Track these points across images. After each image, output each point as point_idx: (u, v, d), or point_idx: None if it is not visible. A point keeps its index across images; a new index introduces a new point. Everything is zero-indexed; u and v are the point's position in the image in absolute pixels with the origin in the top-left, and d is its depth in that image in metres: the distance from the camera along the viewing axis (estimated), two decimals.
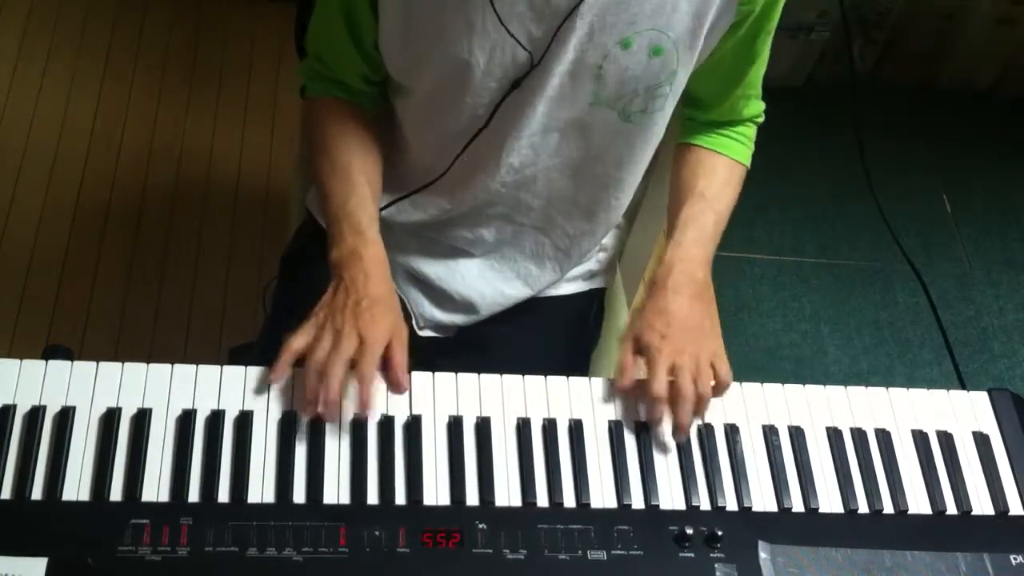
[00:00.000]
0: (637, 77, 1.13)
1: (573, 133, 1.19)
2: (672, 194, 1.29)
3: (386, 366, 1.09)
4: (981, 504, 1.13)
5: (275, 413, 1.07)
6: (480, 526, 1.02)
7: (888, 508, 1.11)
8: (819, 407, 1.17)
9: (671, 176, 1.31)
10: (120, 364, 1.08)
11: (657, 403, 1.10)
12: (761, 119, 1.32)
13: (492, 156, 1.21)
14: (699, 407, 1.12)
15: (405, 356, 1.10)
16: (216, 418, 1.05)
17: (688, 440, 1.12)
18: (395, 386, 1.09)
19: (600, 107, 1.16)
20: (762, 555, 1.04)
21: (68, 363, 1.07)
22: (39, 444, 1.01)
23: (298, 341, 1.08)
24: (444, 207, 1.30)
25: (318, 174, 1.23)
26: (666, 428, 1.12)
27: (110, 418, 1.03)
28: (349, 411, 1.08)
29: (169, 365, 1.08)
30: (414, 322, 1.38)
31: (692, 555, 1.03)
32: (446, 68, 1.13)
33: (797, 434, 1.14)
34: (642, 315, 1.17)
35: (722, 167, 1.28)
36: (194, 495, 1.01)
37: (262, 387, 1.08)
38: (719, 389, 1.14)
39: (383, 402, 1.09)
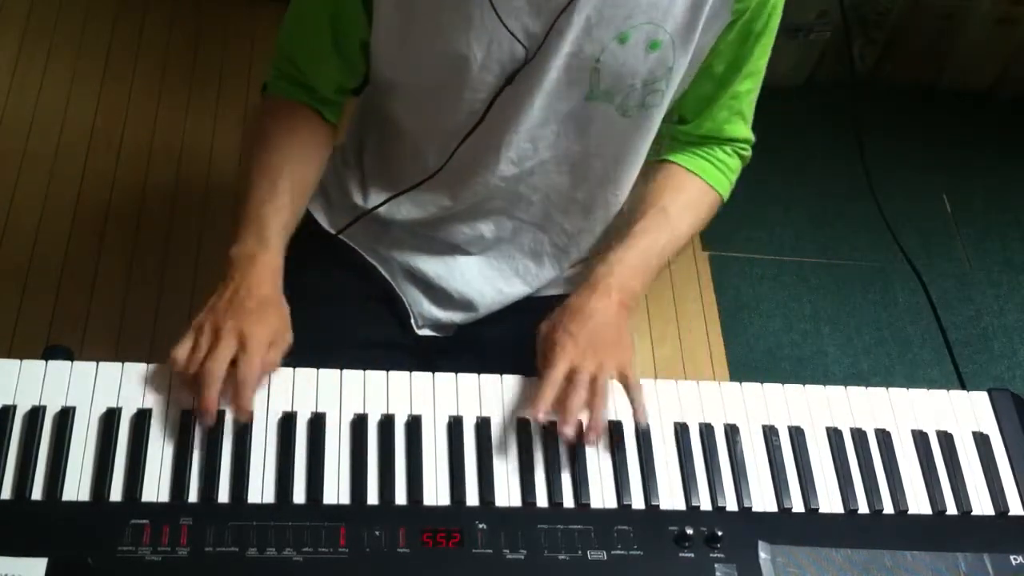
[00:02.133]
0: (634, 72, 1.13)
1: (571, 127, 1.19)
2: (636, 205, 1.27)
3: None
4: (981, 504, 1.13)
5: (275, 413, 1.07)
6: (480, 526, 1.02)
7: (888, 508, 1.11)
8: (819, 407, 1.17)
9: (640, 189, 1.30)
10: (120, 364, 1.08)
11: (537, 403, 1.07)
12: (747, 152, 1.30)
13: (491, 151, 1.21)
14: (590, 419, 1.08)
15: (278, 360, 1.08)
16: (216, 418, 1.05)
17: (688, 440, 1.12)
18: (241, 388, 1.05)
19: (597, 101, 1.16)
20: (762, 555, 1.04)
21: (68, 363, 1.07)
22: (39, 444, 1.01)
23: (180, 350, 1.06)
24: (444, 204, 1.29)
25: (248, 169, 1.20)
26: (663, 429, 1.12)
27: (110, 418, 1.03)
28: (349, 411, 1.08)
29: (169, 365, 1.08)
30: (413, 321, 1.38)
31: (692, 555, 1.03)
32: (444, 63, 1.14)
33: (797, 434, 1.14)
34: (558, 310, 1.15)
35: (691, 188, 1.27)
36: (194, 495, 1.01)
37: (261, 387, 1.08)
38: (632, 396, 1.11)
39: (384, 402, 1.10)
